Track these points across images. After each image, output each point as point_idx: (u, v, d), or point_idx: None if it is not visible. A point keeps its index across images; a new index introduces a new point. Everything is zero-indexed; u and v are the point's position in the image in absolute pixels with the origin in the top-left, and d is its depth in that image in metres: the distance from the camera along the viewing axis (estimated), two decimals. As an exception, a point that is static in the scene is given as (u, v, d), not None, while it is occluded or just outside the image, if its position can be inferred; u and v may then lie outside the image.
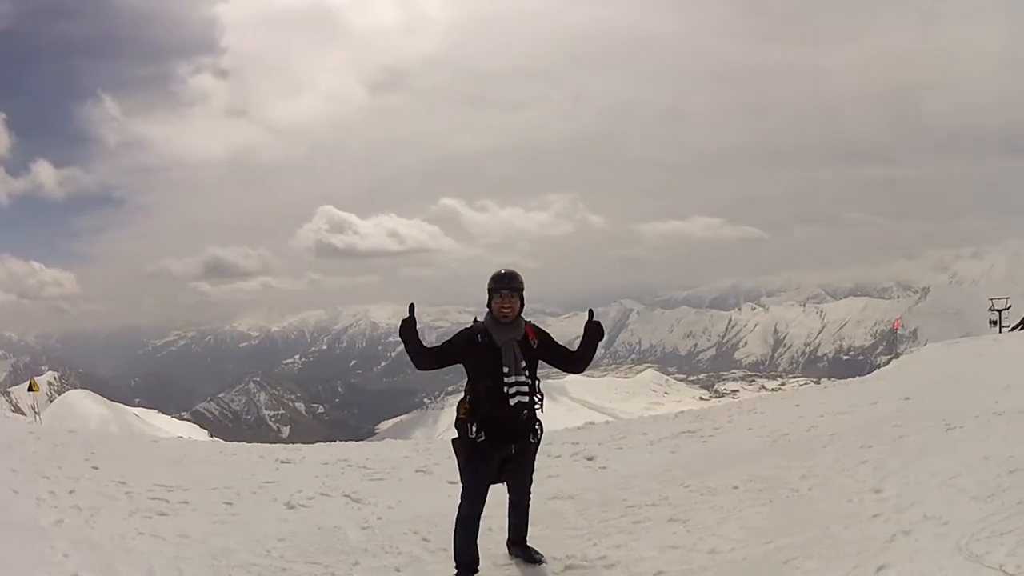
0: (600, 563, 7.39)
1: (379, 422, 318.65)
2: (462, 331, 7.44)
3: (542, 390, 7.52)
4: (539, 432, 7.44)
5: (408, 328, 7.30)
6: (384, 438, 53.61)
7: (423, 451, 14.13)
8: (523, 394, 7.18)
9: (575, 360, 7.64)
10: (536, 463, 7.78)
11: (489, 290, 7.33)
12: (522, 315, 7.40)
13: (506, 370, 7.12)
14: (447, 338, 7.57)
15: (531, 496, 7.65)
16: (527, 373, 7.24)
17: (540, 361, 7.47)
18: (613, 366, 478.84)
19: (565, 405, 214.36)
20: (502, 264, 7.45)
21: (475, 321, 7.43)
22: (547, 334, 7.57)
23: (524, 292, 7.41)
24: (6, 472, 12.30)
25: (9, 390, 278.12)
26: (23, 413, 47.32)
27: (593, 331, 7.60)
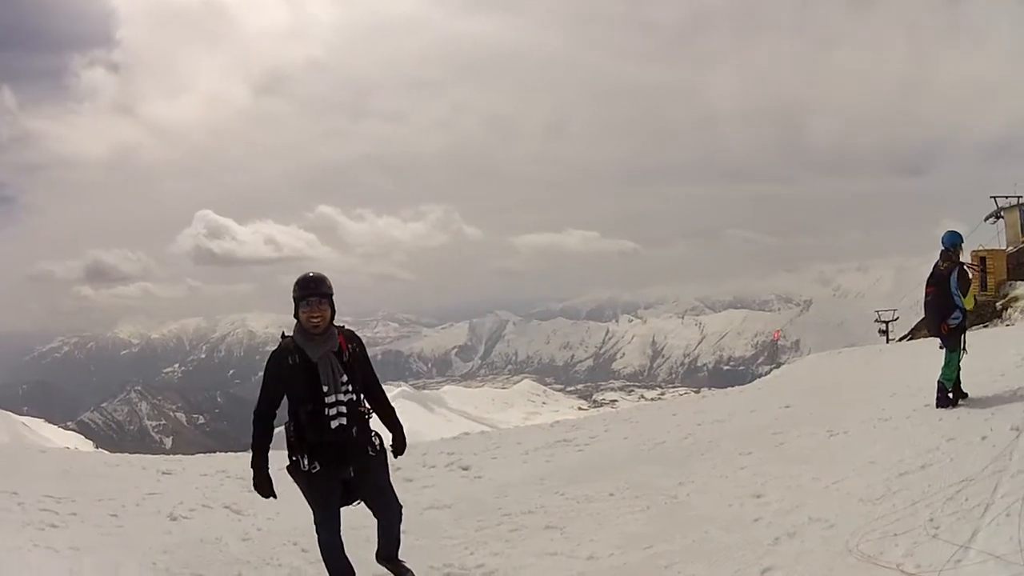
0: (478, 571, 7.38)
1: None
2: (270, 358, 6.75)
3: (366, 403, 6.91)
4: (378, 444, 6.93)
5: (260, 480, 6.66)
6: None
7: None
8: (345, 415, 6.63)
9: (376, 401, 7.02)
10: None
11: (295, 299, 6.65)
12: (334, 323, 6.81)
13: (326, 389, 6.58)
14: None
15: (400, 509, 7.07)
16: (350, 387, 6.69)
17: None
18: (490, 376, 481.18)
19: (442, 416, 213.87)
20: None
21: (282, 337, 6.90)
22: (362, 345, 7.00)
23: (334, 297, 6.78)
24: None
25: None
26: None
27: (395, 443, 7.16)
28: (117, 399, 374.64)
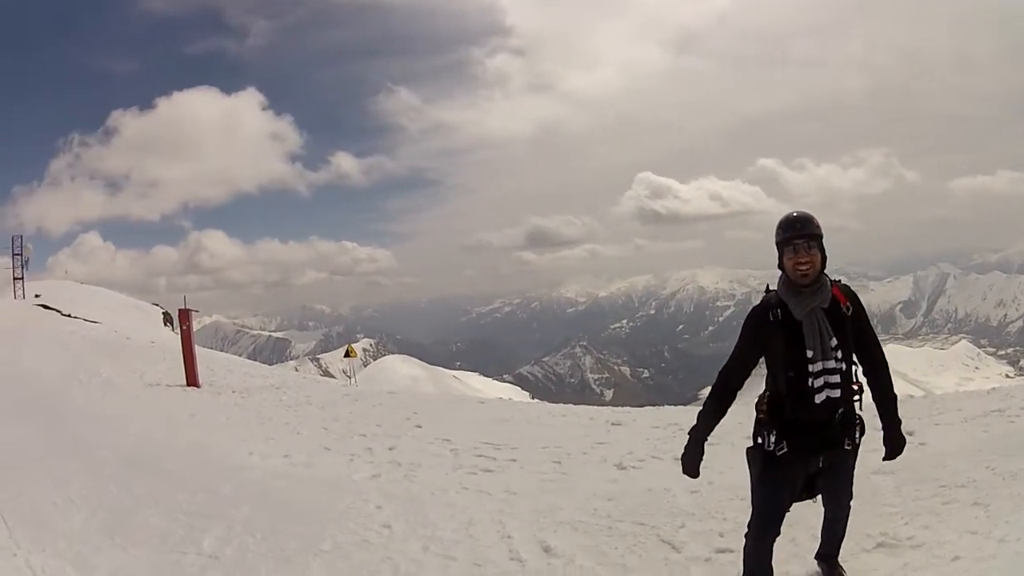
0: (908, 543, 7.33)
1: (703, 387, 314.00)
2: (750, 313, 5.65)
3: (860, 377, 5.67)
4: (858, 436, 5.74)
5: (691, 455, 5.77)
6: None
7: (752, 418, 13.65)
8: (834, 386, 5.40)
9: (874, 378, 5.73)
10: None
11: (778, 243, 5.51)
12: (827, 273, 5.54)
13: (810, 354, 5.34)
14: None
15: (850, 510, 6.26)
16: (839, 355, 5.41)
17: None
18: (931, 335, 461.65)
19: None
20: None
21: (767, 290, 5.70)
22: (860, 304, 5.65)
23: (824, 240, 5.48)
24: (317, 431, 13.28)
25: (318, 357, 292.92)
26: (334, 377, 49.64)
27: (892, 444, 6.11)
28: (560, 353, 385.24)
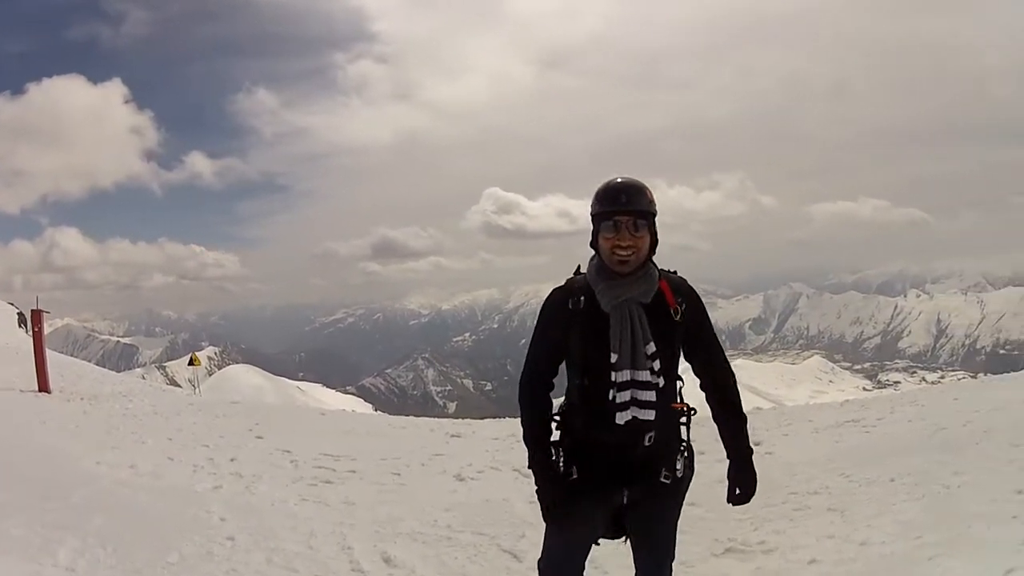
0: (759, 548, 7.48)
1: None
2: (547, 297, 4.45)
3: (684, 396, 4.47)
4: (679, 468, 4.40)
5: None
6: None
7: None
8: (645, 405, 4.12)
9: (715, 397, 4.50)
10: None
11: (594, 216, 4.25)
12: (655, 262, 4.35)
13: (614, 359, 4.10)
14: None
15: (672, 563, 4.68)
16: (657, 365, 4.15)
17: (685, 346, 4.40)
18: (781, 351, 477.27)
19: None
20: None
21: (576, 272, 4.46)
22: (698, 304, 4.40)
23: (658, 220, 4.30)
24: (161, 441, 13.04)
25: (164, 365, 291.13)
26: (179, 387, 49.40)
27: (739, 479, 4.61)
28: (402, 365, 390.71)
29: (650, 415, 4.11)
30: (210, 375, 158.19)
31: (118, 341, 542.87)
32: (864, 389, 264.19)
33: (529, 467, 4.38)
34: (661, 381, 4.18)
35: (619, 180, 4.23)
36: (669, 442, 4.38)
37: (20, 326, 44.34)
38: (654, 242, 4.29)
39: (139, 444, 12.75)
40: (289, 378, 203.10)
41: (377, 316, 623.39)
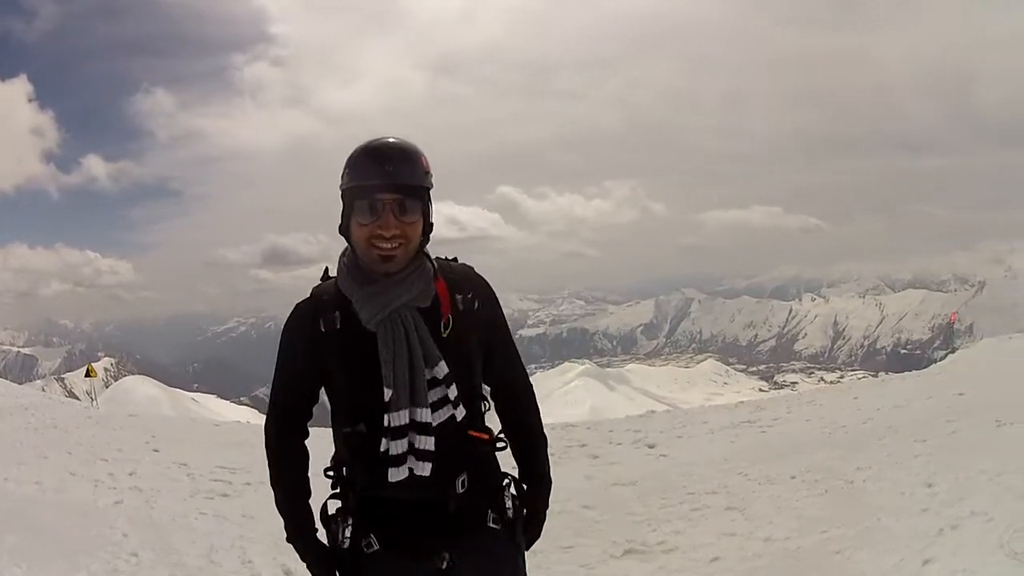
0: (659, 548, 7.35)
1: None
2: (292, 312, 3.16)
3: (483, 424, 3.22)
4: (508, 506, 3.18)
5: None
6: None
7: None
8: (422, 454, 2.94)
9: (513, 417, 3.32)
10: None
11: (344, 192, 2.97)
12: (427, 252, 3.09)
13: (389, 393, 2.89)
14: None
15: None
16: (453, 388, 2.98)
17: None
18: (674, 355, 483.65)
19: (623, 394, 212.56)
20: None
21: (324, 276, 3.22)
22: (489, 297, 3.19)
23: (431, 193, 3.01)
24: (62, 455, 12.81)
25: (63, 376, 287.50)
26: (78, 399, 48.53)
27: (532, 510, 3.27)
28: None
29: (426, 470, 2.89)
30: (107, 387, 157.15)
31: (18, 352, 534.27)
32: (760, 390, 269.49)
33: (289, 541, 3.21)
34: (460, 411, 2.96)
35: (382, 141, 2.90)
36: (486, 478, 3.15)
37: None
38: (428, 227, 3.00)
39: (41, 459, 12.58)
40: (184, 389, 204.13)
41: (269, 324, 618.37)
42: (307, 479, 3.22)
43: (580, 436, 13.34)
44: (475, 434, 3.08)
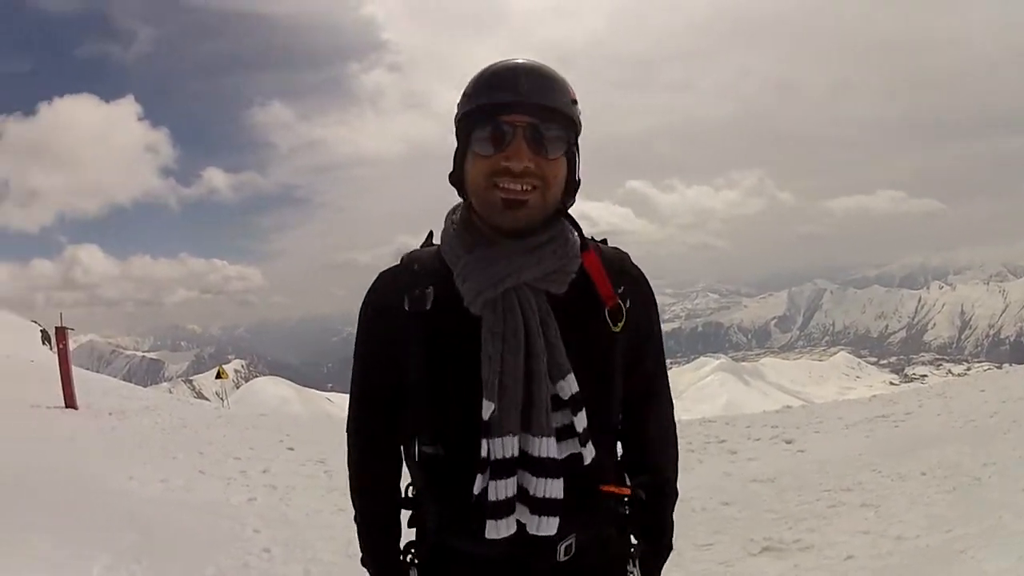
0: (795, 546, 7.39)
1: None
2: (372, 286, 2.30)
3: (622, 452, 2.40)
4: (633, 557, 2.36)
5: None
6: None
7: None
8: (543, 505, 2.00)
9: (646, 441, 2.37)
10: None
11: (459, 121, 2.09)
12: (572, 217, 2.18)
13: (488, 411, 1.95)
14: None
15: None
16: (581, 417, 2.02)
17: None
18: (808, 348, 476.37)
19: (758, 389, 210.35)
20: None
21: (427, 241, 2.34)
22: (653, 300, 2.37)
23: (580, 135, 2.13)
24: (192, 455, 13.02)
25: (191, 379, 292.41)
26: (207, 400, 49.44)
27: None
28: None
29: (549, 527, 2.02)
30: (237, 388, 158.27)
31: (143, 356, 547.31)
32: (891, 384, 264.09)
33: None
34: (588, 452, 2.06)
35: (512, 61, 2.08)
36: (606, 546, 2.28)
37: (44, 343, 44.53)
38: (573, 182, 2.15)
39: (170, 459, 12.79)
40: (317, 389, 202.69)
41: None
42: (396, 505, 2.41)
43: (718, 431, 13.40)
44: (610, 489, 2.20)
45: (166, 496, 10.31)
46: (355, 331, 2.35)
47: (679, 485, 2.45)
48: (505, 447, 1.96)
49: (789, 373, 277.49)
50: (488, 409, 1.94)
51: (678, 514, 2.45)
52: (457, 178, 2.15)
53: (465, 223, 2.16)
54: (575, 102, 2.09)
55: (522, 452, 1.99)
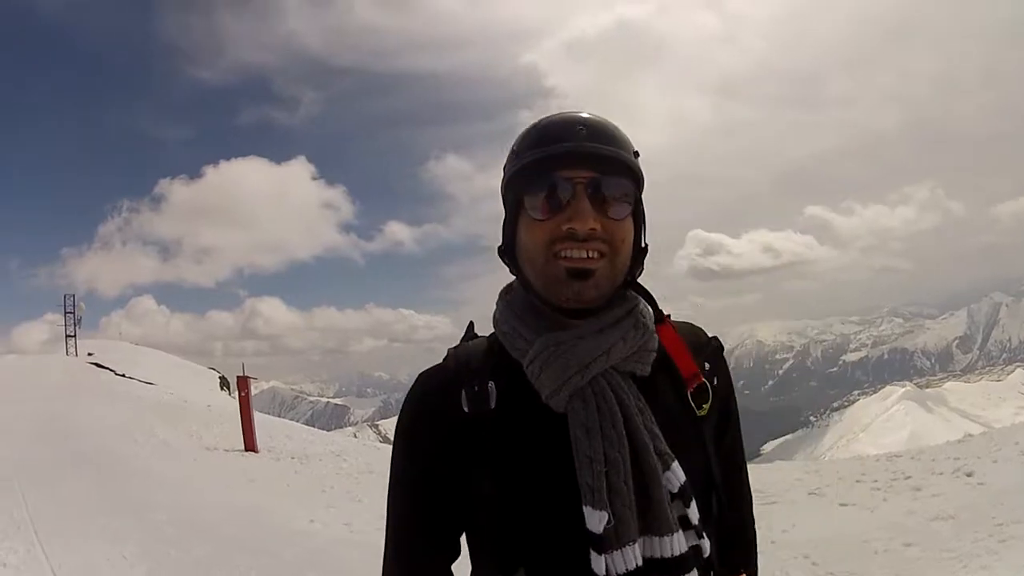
0: None
1: (764, 442, 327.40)
2: (411, 389, 1.96)
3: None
4: None
5: None
6: (772, 459, 53.40)
7: (814, 472, 13.65)
8: None
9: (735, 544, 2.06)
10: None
11: (507, 184, 1.91)
12: (643, 286, 1.96)
13: (601, 522, 1.64)
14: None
15: None
16: (693, 509, 1.75)
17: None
18: (987, 368, 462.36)
19: (940, 416, 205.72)
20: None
21: (468, 334, 2.06)
22: (727, 368, 2.07)
23: (642, 191, 1.88)
24: (377, 499, 12.70)
25: (377, 423, 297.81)
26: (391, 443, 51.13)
27: None
28: None
29: None
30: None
31: (328, 402, 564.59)
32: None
33: None
34: (706, 544, 1.78)
35: (565, 112, 1.89)
36: None
37: (223, 388, 46.04)
38: (643, 247, 1.93)
39: (355, 502, 12.96)
40: None
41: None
42: None
43: (904, 467, 12.91)
44: None
45: (350, 538, 10.49)
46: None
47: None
48: (627, 558, 1.64)
49: (970, 397, 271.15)
50: (599, 519, 1.63)
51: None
52: (508, 252, 1.93)
53: (526, 303, 1.90)
54: (637, 155, 1.85)
55: (649, 556, 1.67)
